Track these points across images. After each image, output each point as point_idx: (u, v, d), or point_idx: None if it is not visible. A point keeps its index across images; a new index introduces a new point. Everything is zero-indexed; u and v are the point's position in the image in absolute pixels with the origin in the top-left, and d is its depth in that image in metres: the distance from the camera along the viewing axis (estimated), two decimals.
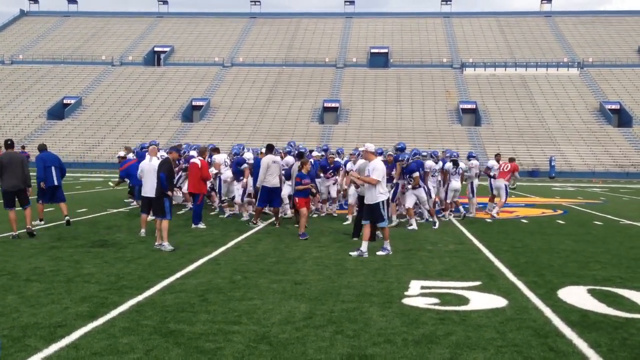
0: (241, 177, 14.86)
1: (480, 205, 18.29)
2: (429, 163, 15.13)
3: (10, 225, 11.40)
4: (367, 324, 5.91)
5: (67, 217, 13.35)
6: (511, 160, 17.93)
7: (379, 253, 9.99)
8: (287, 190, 14.83)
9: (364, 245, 9.95)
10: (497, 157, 18.13)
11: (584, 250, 10.88)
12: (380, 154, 14.64)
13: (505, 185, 16.99)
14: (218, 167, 15.38)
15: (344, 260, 9.42)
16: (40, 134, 62.40)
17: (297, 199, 12.27)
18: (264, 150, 15.20)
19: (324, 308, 6.49)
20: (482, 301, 6.93)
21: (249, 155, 15.30)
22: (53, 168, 13.52)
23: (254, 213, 14.45)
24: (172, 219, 13.33)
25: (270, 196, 13.54)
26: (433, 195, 15.26)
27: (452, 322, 6.01)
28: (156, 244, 10.39)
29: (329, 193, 16.44)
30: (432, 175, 15.25)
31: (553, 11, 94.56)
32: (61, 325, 5.69)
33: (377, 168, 9.93)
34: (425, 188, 14.29)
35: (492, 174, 17.29)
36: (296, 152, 15.04)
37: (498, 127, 63.18)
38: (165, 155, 15.92)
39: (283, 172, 14.43)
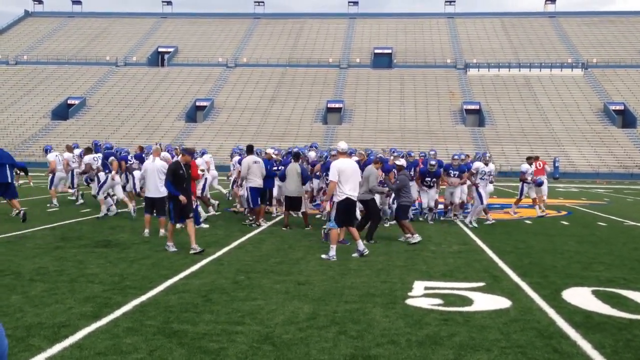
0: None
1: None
2: (477, 164, 14.87)
3: None
4: (370, 325, 5.91)
5: (22, 211, 13.78)
6: (536, 158, 18.42)
7: (323, 256, 9.72)
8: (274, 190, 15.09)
9: (359, 244, 9.90)
10: (530, 161, 17.78)
11: (587, 251, 10.85)
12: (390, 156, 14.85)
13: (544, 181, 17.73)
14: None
15: (347, 261, 9.42)
16: (44, 134, 62.53)
17: None
18: (269, 150, 15.30)
19: (327, 309, 6.49)
20: (486, 302, 6.92)
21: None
22: (7, 166, 13.96)
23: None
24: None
25: (257, 196, 13.78)
26: (484, 201, 14.60)
27: (455, 323, 6.00)
28: (168, 243, 10.26)
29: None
30: (481, 179, 14.66)
31: (557, 12, 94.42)
32: (65, 325, 5.70)
33: (331, 167, 9.95)
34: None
35: (529, 178, 17.18)
36: (295, 152, 14.97)
37: (502, 128, 63.07)
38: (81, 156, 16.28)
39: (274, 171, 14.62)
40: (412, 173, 14.92)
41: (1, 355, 1.92)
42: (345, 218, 9.98)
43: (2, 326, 1.95)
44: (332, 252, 9.61)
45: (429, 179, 14.90)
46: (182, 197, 9.87)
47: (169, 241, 10.20)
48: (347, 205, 9.89)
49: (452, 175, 15.37)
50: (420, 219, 15.79)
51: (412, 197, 12.46)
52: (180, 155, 10.51)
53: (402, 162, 12.42)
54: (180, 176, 10.02)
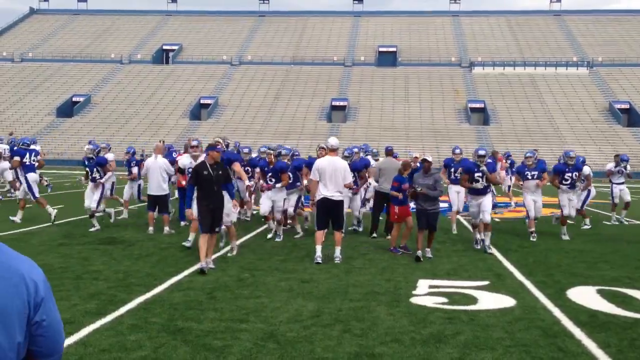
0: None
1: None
2: None
3: None
4: (374, 323, 5.90)
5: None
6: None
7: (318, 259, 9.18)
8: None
9: (318, 250, 9.24)
10: (617, 159, 15.82)
11: (592, 250, 10.82)
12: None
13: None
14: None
15: (352, 259, 9.41)
16: (49, 131, 62.66)
17: (396, 207, 10.24)
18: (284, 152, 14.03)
19: (331, 306, 6.49)
20: (491, 301, 6.91)
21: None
22: None
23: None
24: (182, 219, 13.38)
25: None
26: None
27: (460, 322, 6.00)
28: (203, 262, 8.27)
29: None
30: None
31: (562, 10, 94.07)
32: (69, 322, 5.71)
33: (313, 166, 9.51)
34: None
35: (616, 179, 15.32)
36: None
37: (507, 126, 62.93)
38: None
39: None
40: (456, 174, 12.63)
41: (56, 350, 1.93)
42: (324, 220, 9.35)
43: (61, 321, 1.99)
44: (318, 252, 9.21)
45: (480, 174, 10.64)
46: (188, 212, 8.56)
47: (203, 259, 8.28)
48: (323, 206, 9.30)
49: (529, 177, 12.44)
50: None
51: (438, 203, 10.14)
52: (207, 154, 8.80)
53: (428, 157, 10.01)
54: (206, 178, 8.41)
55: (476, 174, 10.60)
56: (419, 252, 9.56)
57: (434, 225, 9.82)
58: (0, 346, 1.71)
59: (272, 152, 11.94)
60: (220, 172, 8.58)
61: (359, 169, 12.37)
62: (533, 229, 12.28)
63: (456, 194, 13.08)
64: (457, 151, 13.28)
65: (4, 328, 1.73)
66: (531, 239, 12.04)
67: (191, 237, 10.29)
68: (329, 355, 4.96)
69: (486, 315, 6.28)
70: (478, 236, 10.89)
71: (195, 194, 8.66)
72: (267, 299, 6.75)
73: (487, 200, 10.68)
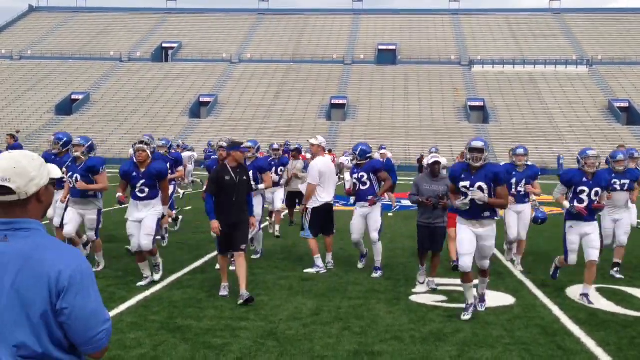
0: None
1: None
2: None
3: None
4: (374, 321, 5.91)
5: None
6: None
7: (306, 271, 8.32)
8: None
9: (319, 260, 8.42)
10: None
11: None
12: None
13: None
14: None
15: (351, 257, 9.41)
16: (48, 129, 62.64)
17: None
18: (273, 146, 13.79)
19: (331, 305, 6.49)
20: (490, 299, 6.91)
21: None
22: None
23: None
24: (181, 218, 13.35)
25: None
26: None
27: (459, 320, 6.00)
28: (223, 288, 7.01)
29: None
30: None
31: (562, 8, 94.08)
32: None
33: (311, 167, 8.48)
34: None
35: None
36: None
37: (506, 124, 62.95)
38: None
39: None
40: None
41: (87, 341, 1.95)
42: (320, 226, 8.52)
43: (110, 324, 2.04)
44: (319, 262, 8.36)
45: (467, 183, 6.27)
46: (214, 225, 6.73)
47: (223, 281, 7.01)
48: (321, 213, 8.45)
49: (618, 188, 8.65)
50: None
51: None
52: (226, 154, 7.27)
53: (440, 159, 7.75)
54: (228, 185, 6.73)
55: (461, 184, 6.31)
56: (424, 278, 7.64)
57: (440, 244, 7.71)
58: (25, 331, 1.82)
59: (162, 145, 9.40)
60: (244, 178, 6.89)
61: (378, 168, 8.53)
62: (618, 260, 8.82)
63: (515, 216, 9.12)
64: (520, 151, 9.00)
65: (27, 316, 1.83)
66: (615, 274, 8.63)
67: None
68: (328, 353, 4.96)
69: (485, 313, 6.29)
70: (471, 299, 6.31)
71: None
72: (266, 297, 6.75)
73: (489, 238, 6.40)
